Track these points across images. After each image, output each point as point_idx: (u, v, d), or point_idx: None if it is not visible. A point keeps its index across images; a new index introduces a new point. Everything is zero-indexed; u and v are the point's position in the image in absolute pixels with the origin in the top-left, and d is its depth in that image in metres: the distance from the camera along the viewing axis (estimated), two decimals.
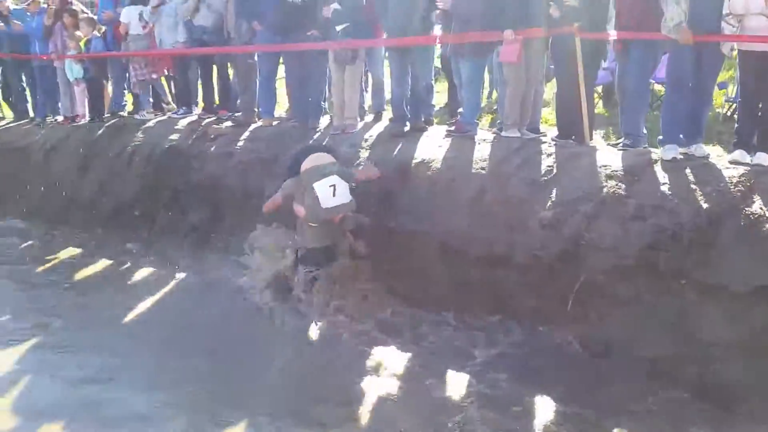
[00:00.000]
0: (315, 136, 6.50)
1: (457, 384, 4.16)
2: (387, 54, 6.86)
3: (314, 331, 4.97)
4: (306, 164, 5.42)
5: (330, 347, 4.73)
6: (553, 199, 4.81)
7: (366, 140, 6.18)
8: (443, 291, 5.17)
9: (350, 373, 4.35)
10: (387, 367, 4.38)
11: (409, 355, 4.55)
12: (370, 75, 7.51)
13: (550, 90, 6.89)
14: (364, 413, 3.94)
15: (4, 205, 8.42)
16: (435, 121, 6.77)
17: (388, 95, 6.97)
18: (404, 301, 5.24)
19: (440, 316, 5.03)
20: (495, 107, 7.02)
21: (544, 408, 3.89)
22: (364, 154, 5.98)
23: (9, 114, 9.84)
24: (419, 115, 6.35)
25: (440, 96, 7.87)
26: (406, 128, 6.25)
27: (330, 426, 3.80)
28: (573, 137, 5.55)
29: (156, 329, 5.11)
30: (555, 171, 5.01)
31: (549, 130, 6.11)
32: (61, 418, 3.92)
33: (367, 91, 7.75)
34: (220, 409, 3.97)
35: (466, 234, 5.09)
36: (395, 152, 5.88)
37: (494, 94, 7.68)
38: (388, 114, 6.81)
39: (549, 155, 5.23)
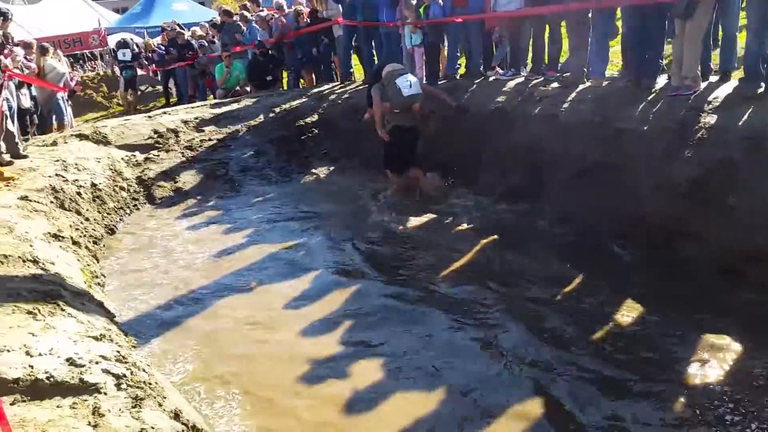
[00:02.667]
0: (649, 97, 5.99)
1: None
2: (745, 4, 5.94)
3: None
4: (385, 70, 7.39)
5: None
6: None
7: (709, 102, 5.47)
8: None
9: None
10: None
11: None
12: (720, 28, 6.60)
13: None
14: None
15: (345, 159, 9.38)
16: None
17: (741, 52, 6.07)
18: None
19: None
20: None
21: None
22: (707, 119, 5.32)
23: (360, 77, 10.97)
24: None
25: None
26: (761, 89, 5.37)
27: None
28: None
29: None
30: None
31: None
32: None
33: (716, 48, 6.84)
34: None
35: None
36: (744, 117, 5.12)
37: None
38: (738, 74, 5.93)
39: None
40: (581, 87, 6.82)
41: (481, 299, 4.94)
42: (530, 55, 8.02)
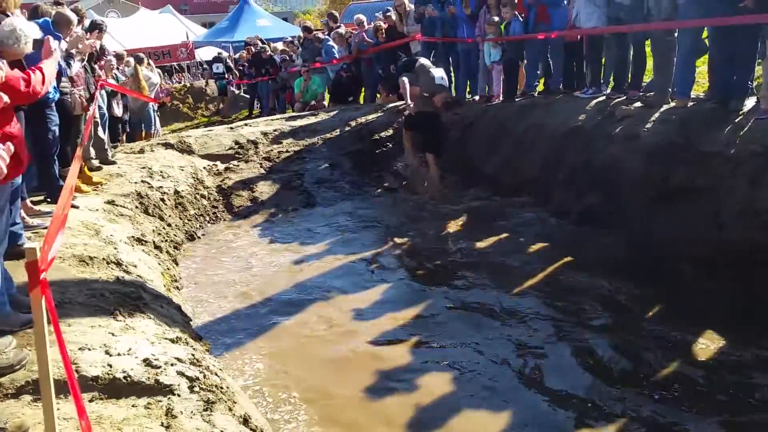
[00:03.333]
0: (736, 120, 5.74)
1: None
2: None
3: None
4: (419, 63, 8.51)
5: None
6: None
7: None
8: None
9: None
10: None
11: None
12: None
13: None
14: None
15: None
16: None
17: None
18: None
19: None
20: None
21: None
22: None
23: None
24: None
25: None
26: None
27: None
28: None
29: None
30: None
31: None
32: None
33: None
34: None
35: None
36: None
37: None
38: None
39: None
40: (665, 107, 6.60)
41: (552, 322, 4.84)
42: (612, 73, 7.84)
